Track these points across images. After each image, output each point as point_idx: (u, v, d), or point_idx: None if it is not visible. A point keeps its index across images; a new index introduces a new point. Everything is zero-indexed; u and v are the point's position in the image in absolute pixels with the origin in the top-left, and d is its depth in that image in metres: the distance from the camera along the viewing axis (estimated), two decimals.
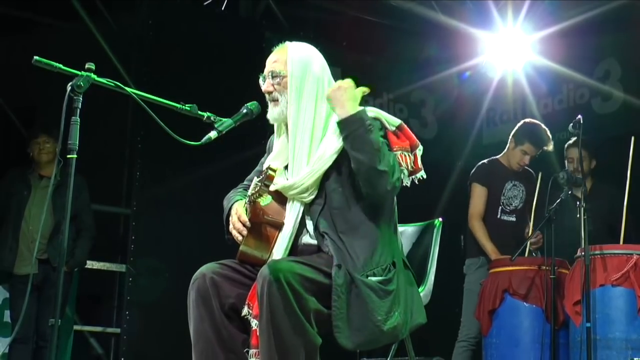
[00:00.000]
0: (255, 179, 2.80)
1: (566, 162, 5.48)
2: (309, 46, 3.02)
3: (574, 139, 5.36)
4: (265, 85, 2.98)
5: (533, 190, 5.33)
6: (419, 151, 2.90)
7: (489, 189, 5.42)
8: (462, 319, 5.42)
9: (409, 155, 2.85)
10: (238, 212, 2.90)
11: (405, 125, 2.91)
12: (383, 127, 2.85)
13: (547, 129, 5.47)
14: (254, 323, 2.71)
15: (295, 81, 2.91)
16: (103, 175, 6.20)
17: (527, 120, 5.60)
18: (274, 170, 2.73)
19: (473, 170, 5.56)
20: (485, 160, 5.56)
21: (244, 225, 2.86)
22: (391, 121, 2.87)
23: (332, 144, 2.83)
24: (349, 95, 2.81)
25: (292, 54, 2.96)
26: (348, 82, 2.84)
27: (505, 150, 5.51)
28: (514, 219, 5.43)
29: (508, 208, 5.41)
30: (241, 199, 2.98)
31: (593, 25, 6.29)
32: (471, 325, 5.30)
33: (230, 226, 2.92)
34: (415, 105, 7.67)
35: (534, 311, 4.78)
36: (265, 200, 2.81)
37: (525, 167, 5.49)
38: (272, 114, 2.96)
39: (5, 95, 6.78)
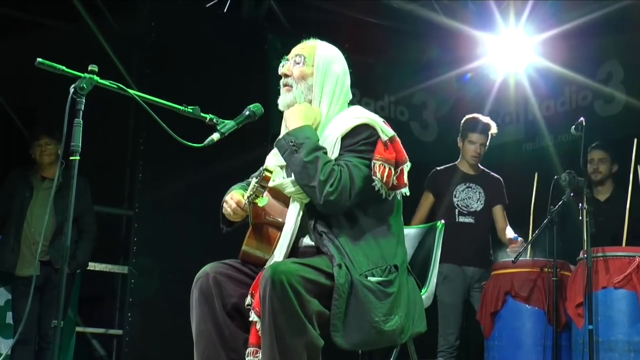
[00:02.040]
0: (254, 180, 2.81)
1: (588, 164, 5.50)
2: (336, 48, 3.07)
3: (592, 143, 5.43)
4: (284, 67, 2.98)
5: (496, 195, 5.44)
6: (406, 167, 2.88)
7: (437, 194, 5.53)
8: (439, 329, 5.33)
9: (389, 168, 2.81)
10: (233, 195, 2.95)
11: (398, 139, 2.89)
12: (376, 134, 2.83)
13: (486, 118, 5.61)
14: (254, 316, 2.71)
15: (320, 77, 2.94)
16: (105, 176, 6.20)
17: (465, 118, 5.68)
18: (270, 172, 2.75)
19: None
20: (439, 167, 5.64)
21: (239, 207, 2.91)
22: (385, 131, 2.86)
23: (325, 144, 2.85)
24: (300, 114, 2.85)
25: (320, 50, 3.00)
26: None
27: (460, 153, 5.61)
28: (472, 220, 5.44)
29: (465, 210, 5.45)
30: (240, 190, 3.01)
31: (595, 27, 6.28)
32: (446, 336, 5.26)
33: (224, 208, 2.96)
34: (416, 108, 7.67)
35: (536, 313, 4.78)
36: (263, 201, 2.82)
37: (489, 172, 5.55)
38: (285, 100, 2.98)
39: (8, 97, 6.78)
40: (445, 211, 5.42)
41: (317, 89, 2.94)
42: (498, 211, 5.51)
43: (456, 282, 5.30)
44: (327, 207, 2.76)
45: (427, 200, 5.58)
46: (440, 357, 5.28)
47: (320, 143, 2.85)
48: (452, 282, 5.29)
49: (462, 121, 5.63)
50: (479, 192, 5.48)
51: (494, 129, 5.54)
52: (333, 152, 2.84)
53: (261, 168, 2.77)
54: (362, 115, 2.89)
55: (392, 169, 2.82)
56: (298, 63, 2.96)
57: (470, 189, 5.49)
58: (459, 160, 5.62)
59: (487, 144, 5.55)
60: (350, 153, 2.82)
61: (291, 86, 2.96)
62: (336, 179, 2.72)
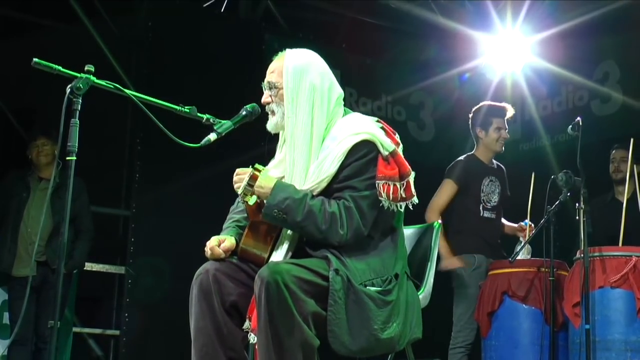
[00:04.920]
0: (245, 179, 2.81)
1: (610, 163, 5.52)
2: (308, 53, 2.99)
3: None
4: (264, 96, 2.98)
5: (506, 185, 5.29)
6: (411, 178, 2.86)
7: (465, 187, 5.26)
8: (459, 324, 5.18)
9: (395, 184, 2.80)
10: (211, 241, 2.94)
11: (399, 152, 2.87)
12: (375, 150, 2.82)
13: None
14: (252, 337, 2.72)
15: (291, 93, 2.89)
16: (102, 177, 6.19)
17: (475, 108, 5.47)
18: (259, 170, 2.75)
19: (449, 167, 5.39)
20: (462, 157, 5.40)
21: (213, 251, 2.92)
22: (386, 145, 2.84)
23: (326, 169, 2.82)
24: (263, 181, 2.81)
25: (287, 63, 2.93)
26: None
27: (478, 144, 5.38)
28: (493, 216, 5.29)
29: (488, 205, 5.27)
30: (230, 235, 3.00)
31: (592, 27, 6.30)
32: (469, 332, 5.12)
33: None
34: (414, 108, 7.67)
35: (533, 313, 4.78)
36: (252, 199, 2.82)
37: (498, 163, 5.40)
38: (270, 125, 2.98)
39: (5, 97, 6.78)
40: (471, 205, 5.24)
41: (290, 107, 2.88)
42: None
43: (483, 274, 5.14)
44: (347, 245, 2.78)
45: (451, 190, 5.25)
46: (458, 354, 5.11)
47: (322, 156, 2.83)
48: (481, 274, 5.14)
49: (475, 113, 5.39)
50: (497, 185, 5.31)
51: (511, 109, 5.36)
52: (335, 165, 2.81)
53: (250, 166, 2.78)
54: (361, 129, 2.84)
55: (397, 185, 2.81)
56: (271, 88, 2.94)
57: (492, 183, 5.30)
58: (476, 150, 5.38)
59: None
60: (352, 179, 2.80)
61: (274, 112, 2.94)
62: (343, 219, 2.74)
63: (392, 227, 2.92)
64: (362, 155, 2.81)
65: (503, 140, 5.31)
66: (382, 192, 2.79)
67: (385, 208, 2.81)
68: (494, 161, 5.42)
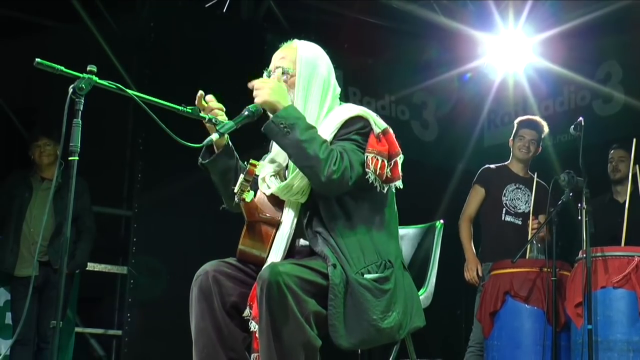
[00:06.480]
0: (242, 176, 2.80)
1: (608, 163, 5.54)
2: (317, 46, 3.03)
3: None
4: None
5: (544, 200, 5.26)
6: (400, 159, 2.87)
7: (488, 190, 5.49)
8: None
9: (382, 160, 2.80)
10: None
11: (391, 132, 2.87)
12: (369, 126, 2.83)
13: (538, 117, 5.61)
14: (254, 325, 2.71)
15: (303, 81, 2.91)
16: (104, 177, 6.20)
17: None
18: (255, 165, 2.75)
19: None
20: (491, 165, 5.59)
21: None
22: (378, 123, 2.85)
23: None
24: (281, 94, 2.81)
25: (301, 53, 2.96)
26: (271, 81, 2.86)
27: (510, 156, 5.56)
28: (519, 222, 5.38)
29: (513, 210, 5.41)
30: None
31: (594, 27, 6.29)
32: (477, 331, 5.27)
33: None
34: (416, 107, 7.67)
35: (536, 313, 4.78)
36: (249, 196, 2.81)
37: (539, 180, 5.42)
38: None
39: (7, 97, 6.79)
40: (492, 209, 5.43)
41: (301, 95, 2.90)
42: (541, 219, 5.34)
43: None
44: (328, 186, 2.73)
45: (478, 195, 5.52)
46: (469, 352, 5.28)
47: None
48: None
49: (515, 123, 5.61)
50: (527, 195, 5.41)
51: (545, 129, 5.49)
52: (329, 137, 2.82)
53: (246, 162, 2.78)
54: (355, 108, 2.89)
55: (385, 162, 2.81)
56: (283, 73, 2.94)
57: (519, 190, 5.44)
58: (509, 161, 5.56)
59: (540, 144, 5.49)
60: (344, 142, 2.81)
61: None
62: (337, 158, 2.71)
63: (382, 212, 2.91)
64: (356, 128, 2.82)
65: (525, 149, 5.45)
66: (370, 164, 2.78)
67: (370, 182, 2.79)
68: (532, 175, 5.46)
